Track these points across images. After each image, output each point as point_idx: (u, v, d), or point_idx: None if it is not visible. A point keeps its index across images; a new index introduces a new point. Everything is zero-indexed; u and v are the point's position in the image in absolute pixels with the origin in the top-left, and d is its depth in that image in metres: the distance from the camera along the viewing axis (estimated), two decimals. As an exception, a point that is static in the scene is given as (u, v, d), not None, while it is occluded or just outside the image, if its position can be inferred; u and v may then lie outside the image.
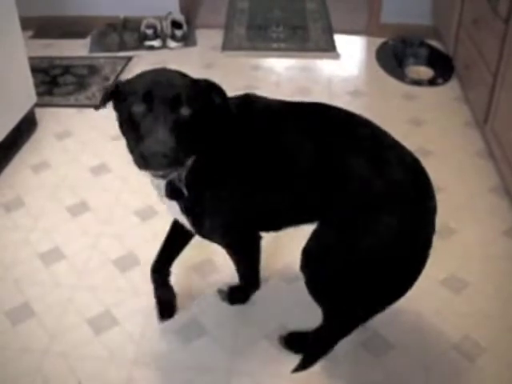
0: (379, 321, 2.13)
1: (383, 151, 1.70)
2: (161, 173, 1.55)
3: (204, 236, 1.92)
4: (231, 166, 1.74)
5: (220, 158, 1.73)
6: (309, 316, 2.00)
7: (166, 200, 1.78)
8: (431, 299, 2.22)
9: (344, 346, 2.02)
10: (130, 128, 1.55)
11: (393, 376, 1.96)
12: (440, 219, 2.55)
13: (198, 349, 2.06)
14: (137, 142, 1.52)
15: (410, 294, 2.22)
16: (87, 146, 3.18)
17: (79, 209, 2.73)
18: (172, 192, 1.74)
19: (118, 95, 1.60)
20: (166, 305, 2.18)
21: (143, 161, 1.49)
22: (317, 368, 1.98)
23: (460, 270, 2.34)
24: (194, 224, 1.84)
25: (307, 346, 2.02)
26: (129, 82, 1.61)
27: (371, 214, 1.65)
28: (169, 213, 1.92)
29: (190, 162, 1.66)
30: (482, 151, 3.03)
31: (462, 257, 2.41)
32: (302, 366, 1.97)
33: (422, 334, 2.10)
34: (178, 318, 2.17)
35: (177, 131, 1.50)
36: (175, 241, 2.13)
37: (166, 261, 2.12)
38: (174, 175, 1.64)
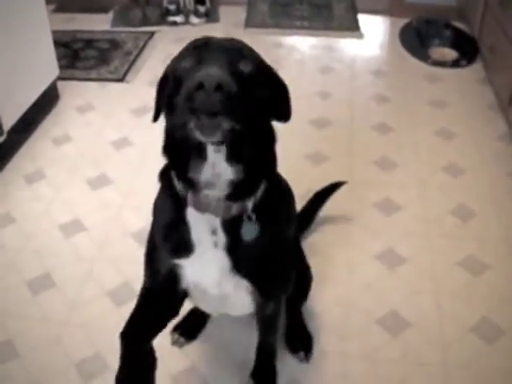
0: (397, 300, 2.14)
1: None
2: (215, 132, 1.08)
3: (269, 296, 1.54)
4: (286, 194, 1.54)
5: (277, 186, 1.43)
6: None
7: (210, 253, 1.36)
8: (449, 280, 2.22)
9: (358, 322, 2.05)
10: (174, 94, 1.16)
11: (409, 354, 1.96)
12: (460, 201, 2.56)
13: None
14: (179, 105, 1.11)
15: (427, 274, 2.23)
16: (109, 119, 3.19)
17: (100, 182, 2.74)
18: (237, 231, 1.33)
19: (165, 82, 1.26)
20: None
21: (189, 101, 1.06)
22: (327, 345, 2.00)
23: (479, 253, 2.33)
24: (259, 282, 1.42)
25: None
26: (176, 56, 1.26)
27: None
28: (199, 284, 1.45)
29: (259, 191, 1.32)
30: (505, 134, 3.00)
31: (481, 239, 2.40)
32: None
33: (440, 315, 2.10)
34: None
35: (235, 81, 1.10)
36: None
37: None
38: (239, 207, 1.29)
